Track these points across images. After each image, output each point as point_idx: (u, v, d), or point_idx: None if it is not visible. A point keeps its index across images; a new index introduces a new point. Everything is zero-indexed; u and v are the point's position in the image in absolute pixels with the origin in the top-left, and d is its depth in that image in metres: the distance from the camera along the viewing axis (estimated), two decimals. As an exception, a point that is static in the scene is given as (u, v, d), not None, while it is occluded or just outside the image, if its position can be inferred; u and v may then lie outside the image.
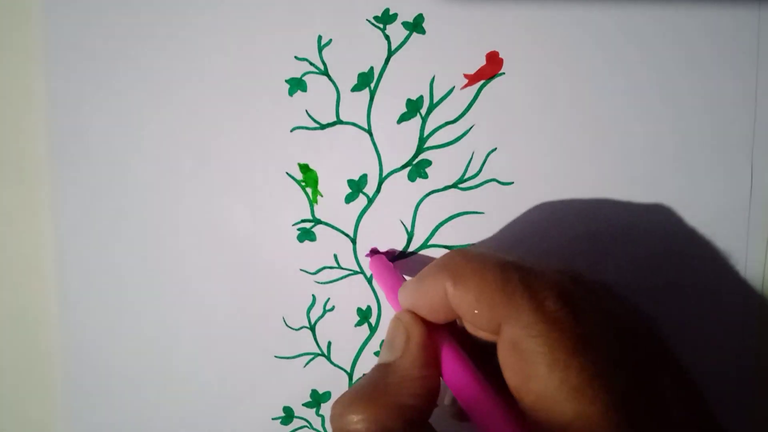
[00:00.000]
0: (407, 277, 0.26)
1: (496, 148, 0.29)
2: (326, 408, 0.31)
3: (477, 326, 0.22)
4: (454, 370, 0.22)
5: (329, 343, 0.31)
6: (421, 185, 0.29)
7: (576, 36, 0.28)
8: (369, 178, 0.29)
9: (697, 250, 0.29)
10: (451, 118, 0.29)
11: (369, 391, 0.22)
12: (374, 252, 0.30)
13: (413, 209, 0.29)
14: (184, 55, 0.29)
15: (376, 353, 0.30)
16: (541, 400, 0.20)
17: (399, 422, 0.21)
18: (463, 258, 0.22)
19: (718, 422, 0.22)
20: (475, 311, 0.21)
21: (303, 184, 0.29)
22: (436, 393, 0.23)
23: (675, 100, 0.28)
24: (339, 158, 0.29)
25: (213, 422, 0.31)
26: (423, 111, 0.29)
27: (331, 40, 0.28)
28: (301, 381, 0.31)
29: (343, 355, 0.31)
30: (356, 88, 0.29)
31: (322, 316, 0.30)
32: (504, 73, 0.28)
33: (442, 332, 0.24)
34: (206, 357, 0.31)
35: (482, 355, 0.23)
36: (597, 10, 0.28)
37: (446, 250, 0.29)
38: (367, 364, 0.31)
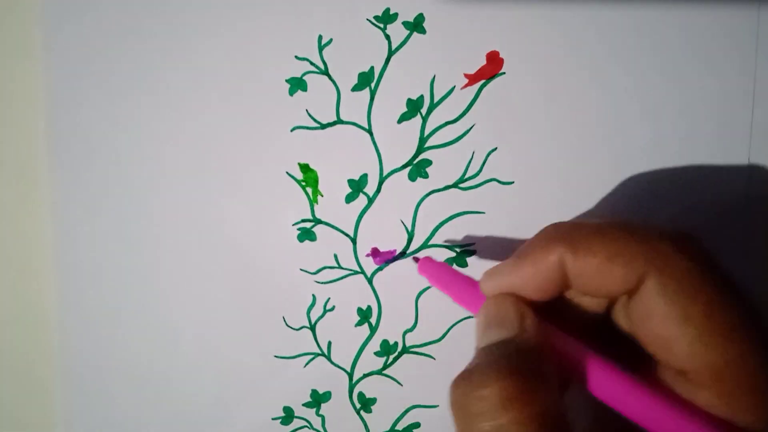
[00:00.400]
0: (464, 275, 0.25)
1: (496, 148, 0.29)
2: (326, 408, 0.31)
3: (604, 288, 0.21)
4: (574, 349, 0.21)
5: (329, 343, 0.31)
6: (422, 185, 0.29)
7: (576, 36, 0.28)
8: (369, 178, 0.29)
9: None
10: (452, 118, 0.29)
11: (502, 365, 0.20)
12: (416, 259, 0.29)
13: (413, 209, 0.29)
14: (184, 55, 0.29)
15: (377, 353, 0.30)
16: (695, 344, 0.19)
17: (545, 392, 0.19)
18: (572, 226, 0.22)
19: None
20: (606, 272, 0.20)
21: (303, 183, 0.29)
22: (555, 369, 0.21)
23: (674, 100, 0.28)
24: (339, 158, 0.29)
25: (213, 422, 0.31)
26: (423, 111, 0.29)
27: (331, 40, 0.28)
28: (301, 381, 0.31)
29: (343, 355, 0.31)
30: (357, 88, 0.29)
31: (322, 316, 0.30)
32: (504, 73, 0.28)
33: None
34: (206, 357, 0.31)
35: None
36: (597, 9, 0.28)
37: (446, 250, 0.29)
38: (367, 364, 0.31)
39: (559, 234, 0.22)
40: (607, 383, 0.21)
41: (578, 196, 0.29)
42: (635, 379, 0.21)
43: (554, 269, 0.21)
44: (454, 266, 0.29)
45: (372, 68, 0.29)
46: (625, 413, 0.20)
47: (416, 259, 0.29)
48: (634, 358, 0.22)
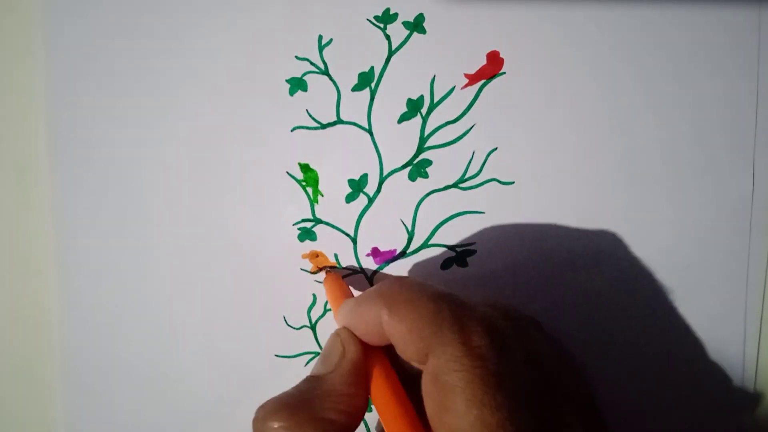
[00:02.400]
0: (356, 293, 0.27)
1: (496, 148, 0.29)
2: (327, 407, 0.31)
3: (407, 356, 0.22)
4: (383, 393, 0.23)
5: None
6: (422, 185, 0.29)
7: (576, 36, 0.28)
8: (369, 178, 0.29)
9: (698, 251, 0.29)
10: (452, 118, 0.29)
11: (294, 401, 0.22)
12: (330, 268, 0.30)
13: (414, 209, 0.29)
14: (184, 55, 0.29)
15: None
16: None
17: None
18: (399, 287, 0.23)
19: None
20: (406, 341, 0.22)
21: (303, 183, 0.29)
22: (362, 413, 0.23)
23: (676, 100, 0.28)
24: (339, 158, 0.29)
25: (213, 422, 0.31)
26: (423, 110, 0.29)
27: (331, 40, 0.28)
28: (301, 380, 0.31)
29: (343, 355, 0.31)
30: (357, 88, 0.29)
31: (322, 316, 0.30)
32: (504, 73, 0.28)
33: (377, 354, 0.24)
34: (206, 357, 0.31)
35: (413, 383, 0.23)
36: (597, 10, 0.28)
37: (447, 250, 0.29)
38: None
39: (388, 291, 0.23)
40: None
41: (578, 196, 0.29)
42: (401, 397, 0.23)
43: (377, 322, 0.23)
44: (454, 266, 0.30)
45: (372, 68, 0.29)
46: None
47: (329, 269, 0.30)
48: None
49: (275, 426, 0.22)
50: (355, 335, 0.24)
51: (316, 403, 0.22)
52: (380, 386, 0.23)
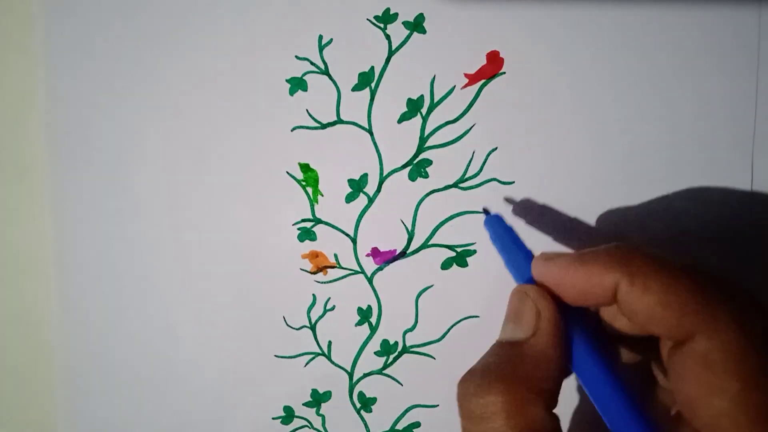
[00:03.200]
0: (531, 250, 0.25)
1: (496, 148, 0.29)
2: (326, 407, 0.31)
3: (650, 327, 0.21)
4: (586, 357, 0.22)
5: (330, 343, 0.31)
6: (422, 185, 0.29)
7: (576, 36, 0.28)
8: (369, 178, 0.29)
9: (698, 251, 0.29)
10: (452, 118, 0.29)
11: (507, 372, 0.21)
12: (487, 211, 0.28)
13: (414, 209, 0.29)
14: (184, 55, 0.29)
15: (377, 353, 0.30)
16: (723, 418, 0.19)
17: (540, 407, 0.21)
18: (643, 256, 0.21)
19: None
20: (654, 314, 0.20)
21: (303, 183, 0.29)
22: (564, 376, 0.22)
23: (675, 101, 0.28)
24: (339, 158, 0.29)
25: (213, 422, 0.31)
26: (423, 110, 0.29)
27: (331, 40, 0.28)
28: (301, 380, 0.31)
29: (343, 355, 0.31)
30: (357, 88, 0.29)
31: (322, 316, 0.30)
32: (504, 73, 0.28)
33: (566, 311, 0.22)
34: (206, 356, 0.31)
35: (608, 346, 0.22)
36: (597, 10, 0.28)
37: (447, 250, 0.29)
38: (367, 363, 0.31)
39: (623, 258, 0.21)
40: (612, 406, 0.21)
41: (578, 196, 0.29)
42: (606, 362, 0.21)
43: (605, 289, 0.21)
44: (454, 266, 0.30)
45: (372, 68, 0.29)
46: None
47: (486, 212, 0.28)
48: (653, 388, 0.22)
49: (493, 400, 0.20)
50: (545, 292, 0.22)
51: (528, 372, 0.21)
52: (583, 349, 0.22)
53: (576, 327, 0.22)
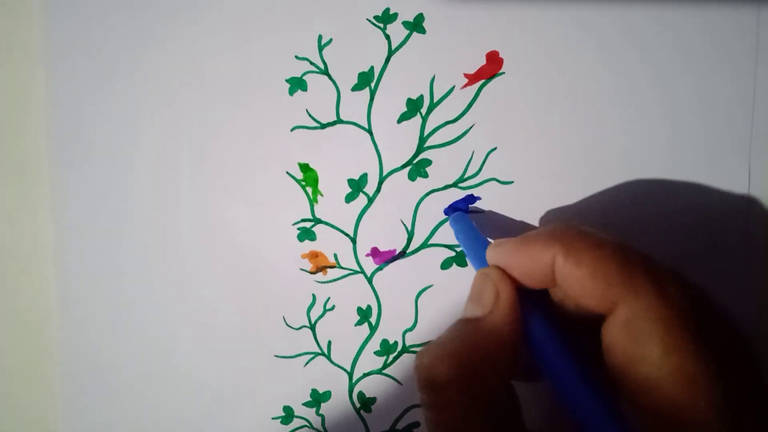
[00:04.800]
0: (489, 239, 0.26)
1: (496, 148, 0.29)
2: (326, 407, 0.31)
3: (583, 301, 0.21)
4: (541, 334, 0.22)
5: (329, 343, 0.31)
6: (422, 184, 0.29)
7: (576, 36, 0.28)
8: (369, 178, 0.29)
9: (695, 251, 0.29)
10: (452, 118, 0.29)
11: (462, 345, 0.22)
12: (454, 209, 0.29)
13: (413, 209, 0.29)
14: (184, 55, 0.29)
15: (377, 352, 0.30)
16: (650, 384, 0.19)
17: (493, 379, 0.21)
18: (578, 233, 0.22)
19: None
20: (586, 286, 0.21)
21: (303, 183, 0.29)
22: (519, 354, 0.22)
23: (674, 100, 0.28)
24: (339, 157, 0.29)
25: (213, 422, 0.31)
26: (423, 110, 0.29)
27: (331, 40, 0.28)
28: (301, 380, 0.31)
29: (343, 355, 0.31)
30: (356, 88, 0.29)
31: (322, 316, 0.30)
32: (504, 73, 0.28)
33: (525, 295, 0.23)
34: (206, 357, 0.31)
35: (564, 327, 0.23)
36: (596, 10, 0.28)
37: (447, 250, 0.29)
38: (367, 363, 0.31)
39: (564, 235, 0.22)
40: (561, 379, 0.21)
41: (578, 196, 0.29)
42: (560, 339, 0.22)
43: (545, 266, 0.22)
44: (454, 265, 0.30)
45: (372, 68, 0.29)
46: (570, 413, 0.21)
47: (449, 211, 0.29)
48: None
49: (446, 371, 0.21)
50: (506, 274, 0.23)
51: (483, 346, 0.22)
52: (539, 328, 0.22)
53: (535, 310, 0.23)
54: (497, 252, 0.24)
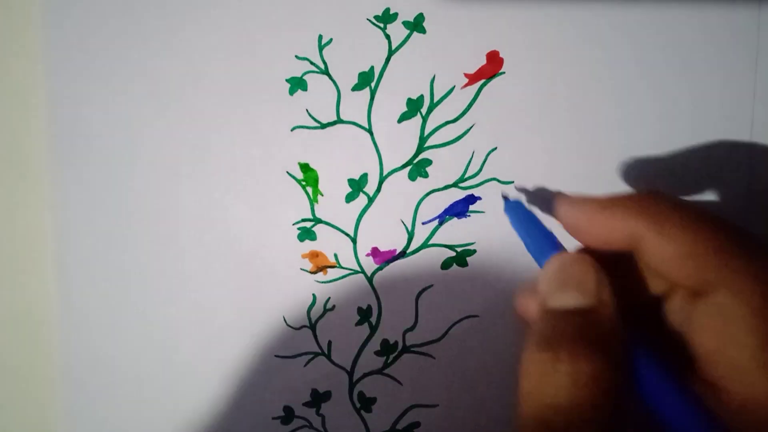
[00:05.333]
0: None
1: (496, 148, 0.29)
2: (326, 407, 0.31)
3: (671, 275, 0.20)
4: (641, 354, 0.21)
5: (329, 343, 0.31)
6: (422, 184, 0.29)
7: (576, 36, 0.28)
8: (369, 178, 0.29)
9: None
10: (452, 118, 0.29)
11: (582, 340, 0.20)
12: (507, 198, 0.28)
13: (414, 208, 0.29)
14: (184, 55, 0.29)
15: (377, 353, 0.30)
16: (738, 370, 0.19)
17: (617, 373, 0.20)
18: (666, 203, 0.21)
19: None
20: (674, 264, 0.20)
21: (303, 183, 0.29)
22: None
23: (674, 100, 0.28)
24: (339, 157, 0.29)
25: (213, 421, 0.31)
26: (423, 110, 0.29)
27: (331, 40, 0.28)
28: (301, 380, 0.31)
29: (343, 355, 0.31)
30: (357, 88, 0.29)
31: (322, 316, 0.30)
32: (504, 73, 0.28)
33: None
34: (206, 356, 0.31)
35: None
36: (597, 10, 0.28)
37: (447, 250, 0.29)
38: (367, 363, 0.31)
39: (647, 206, 0.21)
40: (646, 377, 0.20)
41: (578, 195, 0.29)
42: (669, 376, 0.20)
43: (626, 236, 0.21)
44: (454, 266, 0.30)
45: (372, 68, 0.29)
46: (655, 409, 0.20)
47: (505, 198, 0.28)
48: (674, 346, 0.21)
49: (574, 369, 0.19)
50: (596, 262, 0.22)
51: (603, 341, 0.20)
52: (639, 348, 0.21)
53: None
54: (572, 211, 0.22)
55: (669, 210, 0.21)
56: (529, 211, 0.26)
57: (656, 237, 0.20)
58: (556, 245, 0.24)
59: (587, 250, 0.23)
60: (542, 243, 0.24)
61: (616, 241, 0.21)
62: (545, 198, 0.29)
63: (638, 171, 0.28)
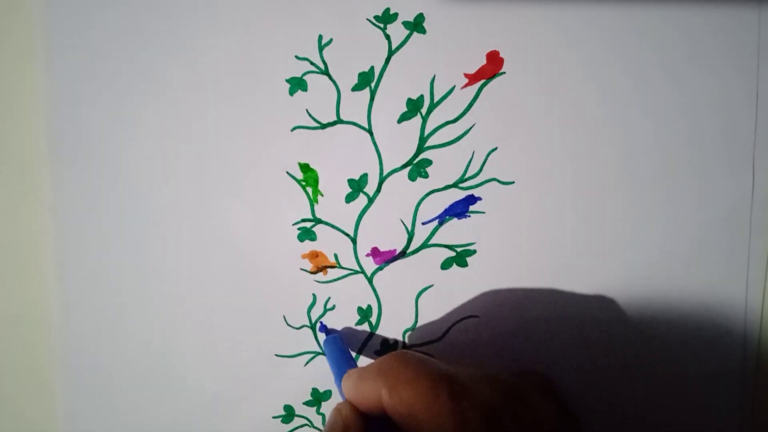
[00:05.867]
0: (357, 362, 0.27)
1: (496, 148, 0.29)
2: (327, 407, 0.31)
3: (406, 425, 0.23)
4: None
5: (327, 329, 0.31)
6: (422, 185, 0.29)
7: (576, 36, 0.28)
8: (369, 178, 0.29)
9: (698, 251, 0.29)
10: (452, 118, 0.29)
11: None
12: (327, 331, 0.30)
13: (414, 209, 0.29)
14: (184, 55, 0.29)
15: (377, 352, 0.30)
16: None
17: None
18: (401, 364, 0.24)
19: None
20: (406, 421, 0.23)
21: (303, 183, 0.29)
22: None
23: (675, 100, 0.28)
24: (339, 158, 0.29)
25: (214, 421, 0.31)
26: (423, 110, 0.29)
27: (331, 40, 0.28)
28: (301, 379, 0.31)
29: (343, 355, 0.31)
30: (357, 88, 0.29)
31: (322, 315, 0.30)
32: (504, 73, 0.28)
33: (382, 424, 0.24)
34: (207, 356, 0.31)
35: None
36: (597, 9, 0.28)
37: (447, 250, 0.29)
38: (367, 363, 0.31)
39: (389, 369, 0.24)
40: None
41: (578, 196, 0.29)
42: None
43: (378, 399, 0.23)
44: (454, 266, 0.30)
45: (372, 68, 0.28)
46: None
47: (325, 331, 0.30)
48: None
49: None
50: (356, 410, 0.25)
51: None
52: None
53: None
54: (344, 386, 0.26)
55: (402, 370, 0.23)
56: (343, 347, 0.29)
57: (391, 398, 0.23)
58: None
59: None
60: (341, 374, 0.27)
61: (374, 408, 0.24)
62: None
63: (640, 171, 0.28)
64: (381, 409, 0.24)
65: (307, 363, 0.31)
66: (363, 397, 0.24)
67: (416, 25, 0.28)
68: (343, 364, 0.27)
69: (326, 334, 0.30)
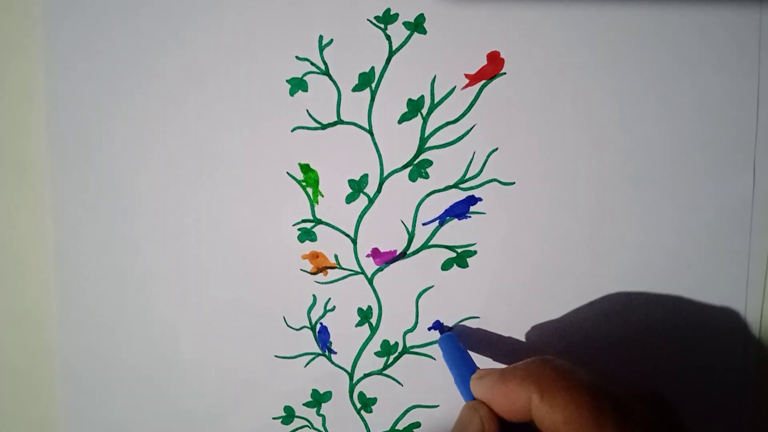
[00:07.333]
0: (479, 366, 0.27)
1: (497, 148, 0.29)
2: (327, 407, 0.31)
3: None
4: None
5: (330, 343, 0.31)
6: (422, 185, 0.29)
7: (577, 36, 0.28)
8: (370, 178, 0.29)
9: (699, 251, 0.29)
10: (452, 118, 0.29)
11: None
12: (442, 328, 0.30)
13: (414, 209, 0.29)
14: (185, 56, 0.29)
15: (377, 353, 0.30)
16: None
17: None
18: (553, 371, 0.23)
19: None
20: (559, 430, 0.22)
21: (304, 184, 0.29)
22: None
23: (676, 101, 0.28)
24: (340, 158, 0.29)
25: (214, 422, 0.31)
26: (424, 111, 0.29)
27: (332, 40, 0.28)
28: (301, 380, 0.31)
29: (343, 355, 0.31)
30: (357, 88, 0.29)
31: (322, 316, 0.30)
32: (505, 73, 0.28)
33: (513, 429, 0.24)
34: (207, 357, 0.31)
35: None
36: (597, 10, 0.28)
37: (447, 251, 0.29)
38: (367, 364, 0.31)
39: (540, 375, 0.23)
40: None
41: (578, 196, 0.29)
42: None
43: (522, 405, 0.23)
44: (455, 266, 0.30)
45: (372, 68, 0.28)
46: None
47: (440, 329, 0.30)
48: None
49: None
50: (492, 411, 0.24)
51: None
52: None
53: None
54: (479, 387, 0.25)
55: (552, 377, 0.23)
56: (460, 345, 0.28)
57: (543, 404, 0.22)
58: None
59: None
60: (466, 382, 0.26)
61: (516, 411, 0.23)
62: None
63: (640, 172, 0.28)
64: (524, 414, 0.23)
65: (307, 364, 0.31)
66: (506, 400, 0.23)
67: (417, 26, 0.28)
68: (463, 363, 0.27)
69: (440, 332, 0.30)
